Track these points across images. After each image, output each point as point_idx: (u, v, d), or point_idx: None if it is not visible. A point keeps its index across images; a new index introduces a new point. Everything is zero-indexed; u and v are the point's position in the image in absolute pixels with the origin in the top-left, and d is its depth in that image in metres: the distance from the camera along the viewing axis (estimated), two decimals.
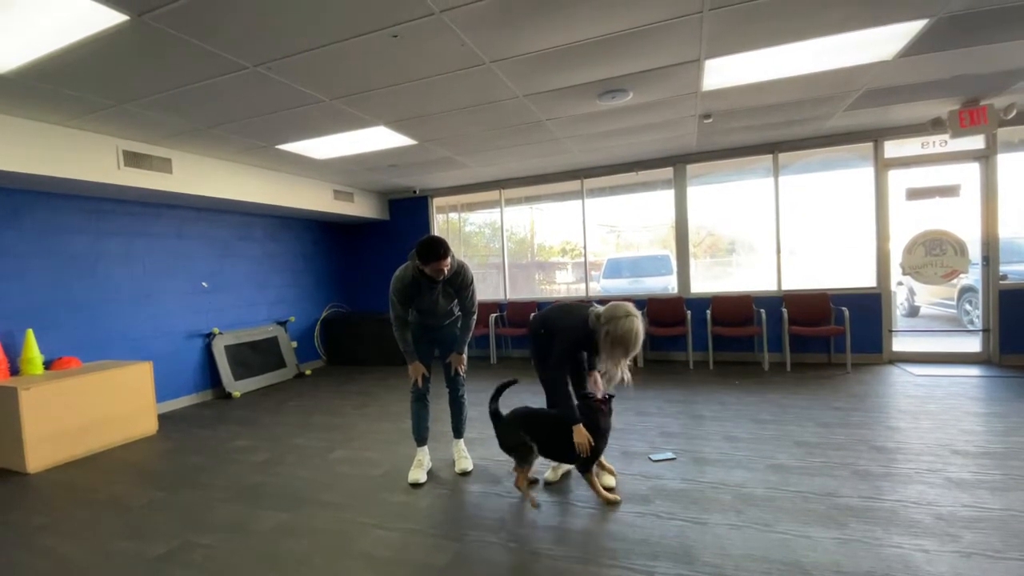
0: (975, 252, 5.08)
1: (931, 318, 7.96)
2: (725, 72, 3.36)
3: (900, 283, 7.20)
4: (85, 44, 2.49)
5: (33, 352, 3.85)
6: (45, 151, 3.58)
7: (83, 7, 2.18)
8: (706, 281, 6.23)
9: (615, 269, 7.12)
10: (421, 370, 3.02)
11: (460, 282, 2.92)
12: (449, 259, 2.73)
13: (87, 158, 3.83)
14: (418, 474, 2.98)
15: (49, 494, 3.11)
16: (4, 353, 3.76)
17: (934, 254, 5.11)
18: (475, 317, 3.06)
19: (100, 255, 4.55)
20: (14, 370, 3.84)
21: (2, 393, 3.47)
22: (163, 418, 4.58)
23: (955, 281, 6.04)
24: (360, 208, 6.91)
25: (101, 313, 4.54)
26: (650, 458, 3.12)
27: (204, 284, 5.52)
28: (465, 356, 3.12)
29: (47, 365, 3.99)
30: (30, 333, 3.87)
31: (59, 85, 2.98)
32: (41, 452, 3.49)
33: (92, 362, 4.33)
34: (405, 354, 2.99)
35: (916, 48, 3.13)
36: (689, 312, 5.75)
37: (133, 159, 4.12)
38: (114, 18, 2.28)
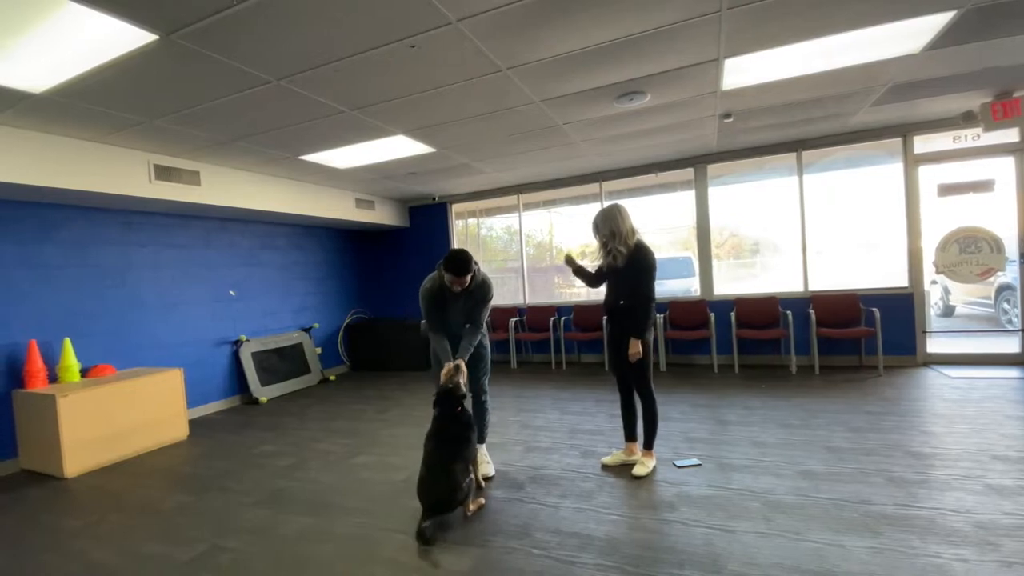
0: (1012, 249, 4.88)
1: (967, 318, 7.68)
2: (745, 71, 3.31)
3: (934, 282, 6.97)
4: (117, 63, 2.59)
5: (70, 360, 3.99)
6: (80, 167, 3.73)
7: (115, 28, 2.26)
8: (730, 283, 6.12)
9: None
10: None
11: (480, 296, 2.95)
12: (469, 277, 2.80)
13: (120, 173, 3.97)
14: None
15: (84, 498, 3.21)
16: (43, 361, 3.91)
17: (969, 252, 4.93)
18: (481, 331, 3.04)
19: (131, 265, 4.70)
20: (52, 378, 3.98)
21: (41, 400, 3.60)
22: (193, 423, 4.69)
23: (991, 279, 5.83)
24: (381, 215, 7.00)
25: (133, 321, 4.69)
26: (675, 464, 3.08)
27: (232, 292, 5.66)
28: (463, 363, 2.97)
29: (83, 373, 4.13)
30: (67, 342, 4.02)
31: (92, 103, 3.10)
32: (78, 457, 3.61)
33: (126, 369, 4.47)
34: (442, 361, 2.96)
35: (943, 41, 3.04)
36: (712, 315, 5.66)
37: (164, 173, 4.26)
38: (144, 38, 2.37)
